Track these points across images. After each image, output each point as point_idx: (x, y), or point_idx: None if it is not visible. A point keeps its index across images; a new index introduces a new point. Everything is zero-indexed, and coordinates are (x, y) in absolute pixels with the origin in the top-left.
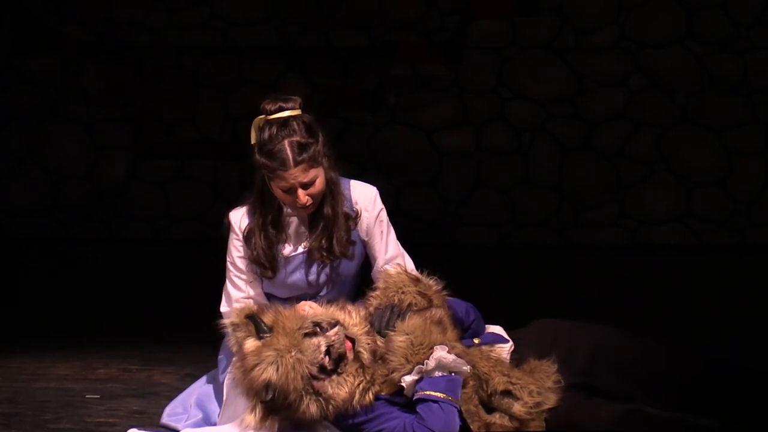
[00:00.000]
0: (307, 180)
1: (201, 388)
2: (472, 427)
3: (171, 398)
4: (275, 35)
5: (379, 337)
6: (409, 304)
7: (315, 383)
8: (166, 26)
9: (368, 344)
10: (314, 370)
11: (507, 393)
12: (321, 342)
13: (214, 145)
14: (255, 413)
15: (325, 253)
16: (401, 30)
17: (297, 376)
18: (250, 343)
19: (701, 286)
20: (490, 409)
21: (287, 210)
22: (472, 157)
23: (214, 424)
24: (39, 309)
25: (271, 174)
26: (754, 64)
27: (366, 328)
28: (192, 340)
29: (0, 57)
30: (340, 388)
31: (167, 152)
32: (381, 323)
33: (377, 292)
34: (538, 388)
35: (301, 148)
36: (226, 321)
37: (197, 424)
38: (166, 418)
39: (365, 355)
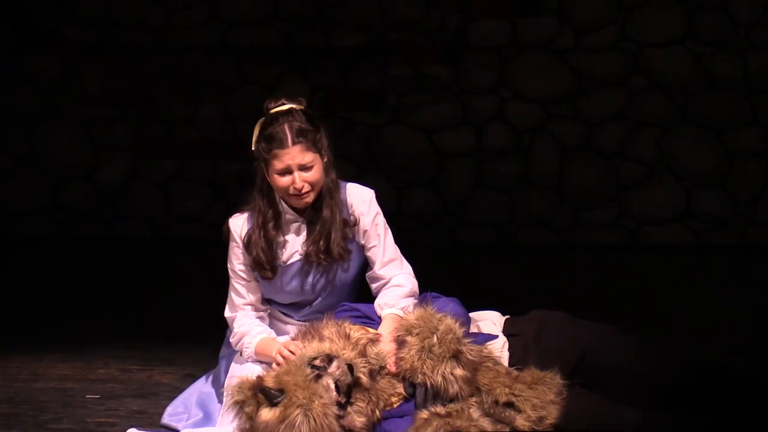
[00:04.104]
0: (304, 162)
1: (202, 387)
2: None
3: (171, 398)
4: (275, 35)
5: (370, 354)
6: (455, 396)
7: (343, 421)
8: (166, 26)
9: (364, 367)
10: (335, 409)
11: (509, 405)
12: (329, 381)
13: (214, 145)
14: None
15: (322, 255)
16: (401, 30)
17: (331, 421)
18: (267, 413)
19: (701, 286)
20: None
21: (286, 212)
22: (472, 157)
23: (215, 424)
24: (39, 309)
25: (267, 156)
26: (754, 64)
27: (355, 351)
28: (192, 340)
29: (0, 57)
30: (359, 417)
31: (167, 152)
32: (424, 401)
33: (413, 337)
34: (542, 402)
35: (300, 131)
36: (230, 401)
37: (198, 424)
38: (167, 418)
39: (364, 380)
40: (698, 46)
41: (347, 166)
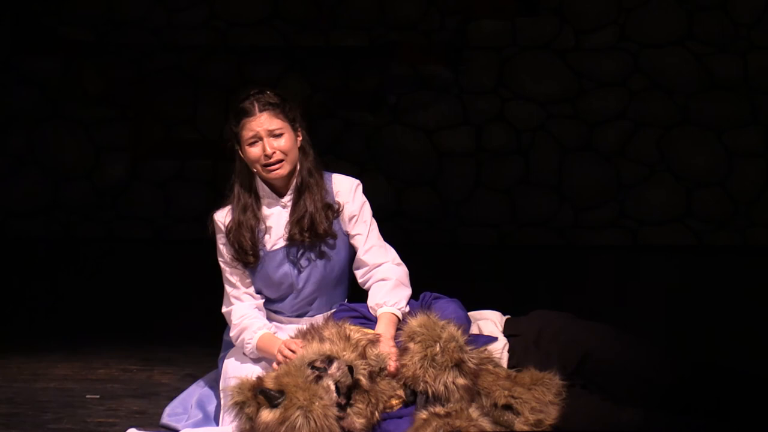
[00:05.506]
0: (272, 128)
1: (202, 389)
2: None
3: (171, 398)
4: (275, 35)
5: (370, 356)
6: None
7: (343, 423)
8: (166, 26)
9: (364, 368)
10: (335, 411)
11: (507, 407)
12: (329, 383)
13: (214, 145)
14: None
15: (306, 233)
16: (401, 30)
17: (331, 422)
18: (267, 414)
19: (701, 286)
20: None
21: (266, 196)
22: (472, 157)
23: (214, 425)
24: (39, 309)
25: (237, 129)
26: (754, 64)
27: (356, 353)
28: (192, 340)
29: (0, 57)
30: (359, 418)
31: (167, 152)
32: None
33: (416, 345)
34: (540, 404)
35: (267, 102)
36: (230, 402)
37: (197, 425)
38: (167, 418)
39: (364, 382)
40: (698, 46)
41: (347, 166)
